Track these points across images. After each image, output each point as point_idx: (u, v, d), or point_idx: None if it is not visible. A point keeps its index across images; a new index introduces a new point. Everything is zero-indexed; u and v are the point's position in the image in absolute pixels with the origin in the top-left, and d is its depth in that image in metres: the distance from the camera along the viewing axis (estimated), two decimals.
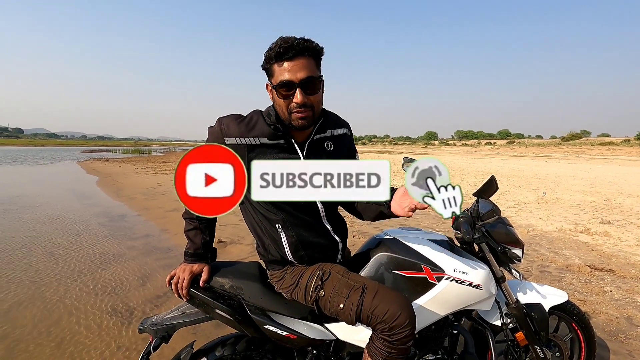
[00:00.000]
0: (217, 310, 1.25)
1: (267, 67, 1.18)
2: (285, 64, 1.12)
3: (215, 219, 1.37)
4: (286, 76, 1.12)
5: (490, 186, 1.41)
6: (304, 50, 1.13)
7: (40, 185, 10.57)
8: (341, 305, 1.19)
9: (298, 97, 1.13)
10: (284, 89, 1.14)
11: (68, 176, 13.70)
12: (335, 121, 1.36)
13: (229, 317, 1.24)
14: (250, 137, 1.20)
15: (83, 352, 2.25)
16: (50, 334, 2.46)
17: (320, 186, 1.25)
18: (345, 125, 1.39)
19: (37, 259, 3.98)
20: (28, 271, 3.59)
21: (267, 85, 1.24)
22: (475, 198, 1.51)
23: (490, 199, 1.50)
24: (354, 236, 4.64)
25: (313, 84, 1.16)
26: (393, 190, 1.27)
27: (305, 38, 1.14)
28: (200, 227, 1.32)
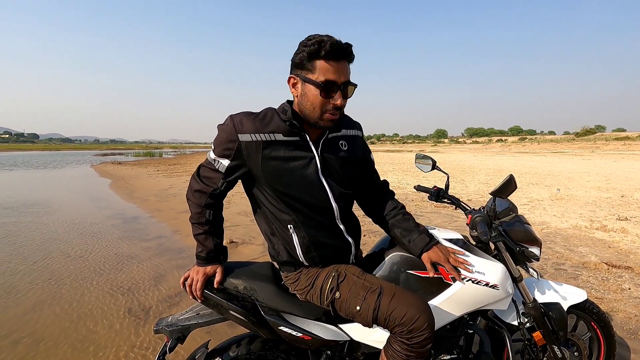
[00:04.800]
0: (231, 312, 1.25)
1: (308, 61, 1.14)
2: (333, 64, 1.13)
3: (222, 220, 1.36)
4: (333, 76, 1.13)
5: (508, 185, 1.37)
6: (348, 55, 1.16)
7: (57, 189, 10.81)
8: (358, 308, 1.18)
9: (339, 100, 1.16)
10: (328, 88, 1.14)
11: (83, 180, 13.96)
12: (349, 122, 1.38)
13: (243, 318, 1.24)
14: (265, 133, 1.19)
15: (100, 351, 2.29)
16: (69, 333, 2.51)
17: (334, 185, 1.26)
18: (358, 126, 1.41)
19: (55, 260, 4.07)
20: (46, 272, 3.67)
21: (290, 78, 1.21)
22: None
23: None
24: (364, 235, 4.62)
25: (348, 89, 1.19)
26: (428, 234, 1.37)
27: (350, 43, 1.16)
28: (210, 230, 1.30)
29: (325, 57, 1.12)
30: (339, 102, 1.16)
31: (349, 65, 1.19)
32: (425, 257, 1.31)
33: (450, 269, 1.27)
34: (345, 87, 1.16)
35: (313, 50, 1.12)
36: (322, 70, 1.13)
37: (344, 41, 1.14)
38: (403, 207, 1.48)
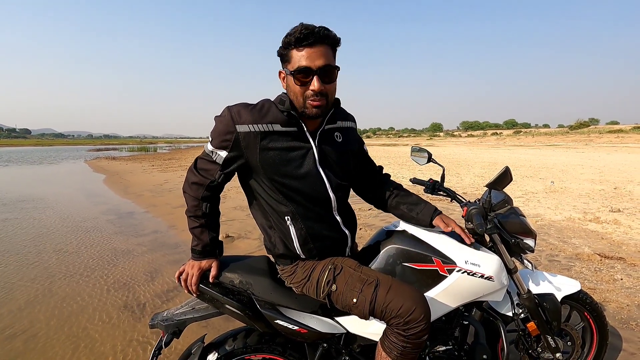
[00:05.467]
0: (227, 306, 1.24)
1: (285, 52, 1.16)
2: (305, 50, 1.11)
3: (219, 214, 1.35)
4: (305, 62, 1.11)
5: (504, 177, 1.37)
6: (324, 38, 1.12)
7: (51, 185, 10.69)
8: (354, 300, 1.18)
9: (315, 84, 1.12)
10: (302, 75, 1.13)
11: (77, 175, 13.84)
12: (343, 114, 1.38)
13: (239, 312, 1.24)
14: (263, 124, 1.18)
15: (96, 346, 2.29)
16: (64, 328, 2.50)
17: (331, 176, 1.26)
18: (352, 119, 1.42)
19: (49, 256, 4.04)
20: (41, 268, 3.65)
21: (280, 73, 1.21)
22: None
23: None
24: (360, 229, 4.64)
25: (330, 73, 1.15)
26: (434, 209, 1.42)
27: (325, 27, 1.13)
28: (206, 224, 1.29)
29: (297, 44, 1.12)
30: (316, 87, 1.13)
31: (332, 48, 1.17)
32: (437, 220, 1.39)
33: (460, 231, 1.35)
34: (323, 72, 1.13)
35: (286, 41, 1.13)
36: (295, 58, 1.13)
37: (325, 28, 1.13)
38: (401, 185, 1.54)
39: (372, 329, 1.30)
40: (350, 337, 1.36)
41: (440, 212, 1.42)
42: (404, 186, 1.55)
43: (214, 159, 1.23)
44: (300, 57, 1.12)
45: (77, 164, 19.91)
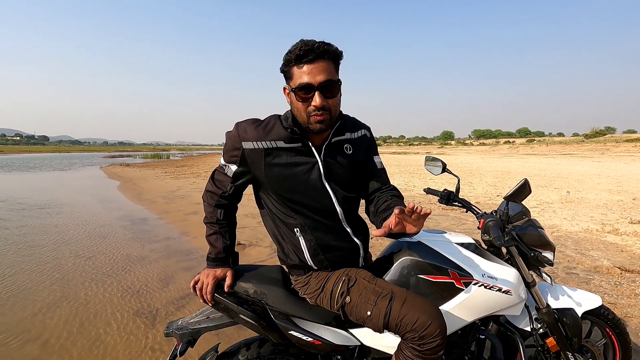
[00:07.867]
0: (242, 316, 1.25)
1: (286, 69, 1.18)
2: (305, 67, 1.12)
3: (235, 223, 1.40)
4: (306, 79, 1.12)
5: (522, 190, 1.35)
6: (324, 54, 1.12)
7: (69, 190, 10.93)
8: (368, 313, 1.17)
9: (317, 100, 1.13)
10: (303, 91, 1.14)
11: (92, 181, 14.11)
12: (354, 124, 1.35)
13: (254, 322, 1.24)
14: (267, 141, 1.21)
15: (110, 352, 2.31)
16: (79, 334, 2.54)
17: (337, 189, 1.26)
18: (365, 127, 1.38)
19: (65, 261, 4.12)
20: (57, 274, 3.71)
21: (284, 89, 1.23)
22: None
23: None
24: (372, 237, 4.60)
25: (332, 88, 1.15)
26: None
27: (325, 41, 1.13)
28: (221, 232, 1.33)
29: (297, 61, 1.13)
30: (317, 102, 1.13)
31: (334, 62, 1.17)
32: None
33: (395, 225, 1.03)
34: (325, 87, 1.13)
35: (287, 59, 1.15)
36: (296, 75, 1.14)
37: (337, 41, 1.15)
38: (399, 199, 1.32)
39: (386, 342, 1.28)
40: (364, 349, 1.34)
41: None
42: (416, 195, 1.51)
43: (226, 171, 1.30)
44: (301, 74, 1.13)
45: (93, 170, 20.33)
